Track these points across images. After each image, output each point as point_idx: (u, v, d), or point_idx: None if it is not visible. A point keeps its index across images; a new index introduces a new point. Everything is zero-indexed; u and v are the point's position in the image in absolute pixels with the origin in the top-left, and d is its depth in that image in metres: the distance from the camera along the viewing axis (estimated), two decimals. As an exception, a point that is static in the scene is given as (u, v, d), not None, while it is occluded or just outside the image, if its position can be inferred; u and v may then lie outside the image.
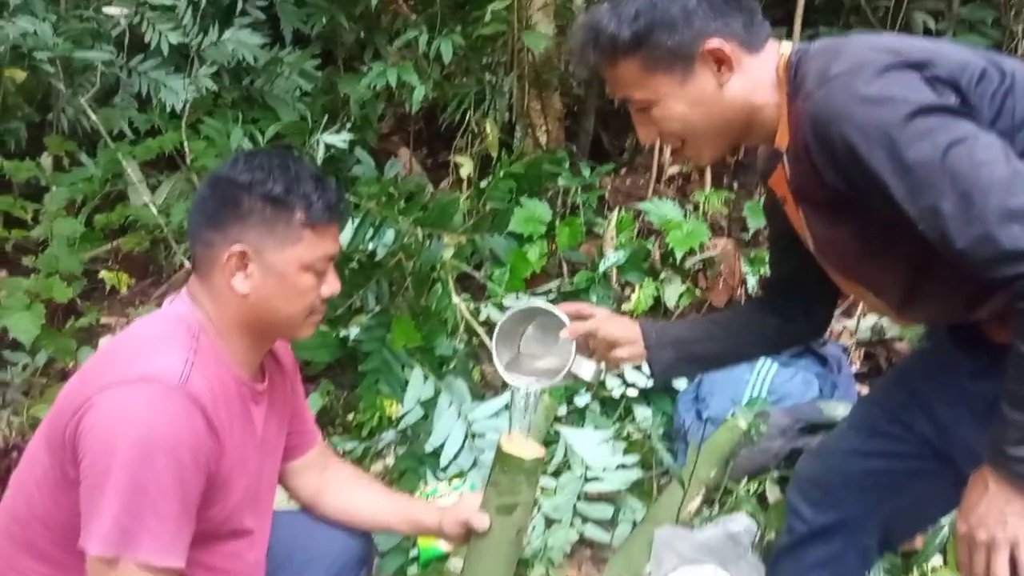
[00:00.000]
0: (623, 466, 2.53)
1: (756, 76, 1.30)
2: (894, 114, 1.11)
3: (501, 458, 1.48)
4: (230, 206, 1.31)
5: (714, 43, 1.26)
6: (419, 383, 2.76)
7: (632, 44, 1.26)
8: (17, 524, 1.29)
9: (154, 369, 1.22)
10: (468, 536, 1.54)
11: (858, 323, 3.11)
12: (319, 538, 1.62)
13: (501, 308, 3.01)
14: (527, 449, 1.48)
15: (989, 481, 1.19)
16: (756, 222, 3.31)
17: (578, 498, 2.42)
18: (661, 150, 3.61)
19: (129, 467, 1.17)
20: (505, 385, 2.93)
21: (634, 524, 2.35)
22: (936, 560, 2.18)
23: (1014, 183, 1.07)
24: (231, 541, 1.38)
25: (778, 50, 1.32)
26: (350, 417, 2.74)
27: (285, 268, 1.32)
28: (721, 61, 1.27)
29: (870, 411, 1.63)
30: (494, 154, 3.34)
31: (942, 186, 1.09)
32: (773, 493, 2.41)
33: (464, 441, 2.61)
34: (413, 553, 2.23)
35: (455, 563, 2.14)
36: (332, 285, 1.40)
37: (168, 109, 3.32)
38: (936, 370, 1.45)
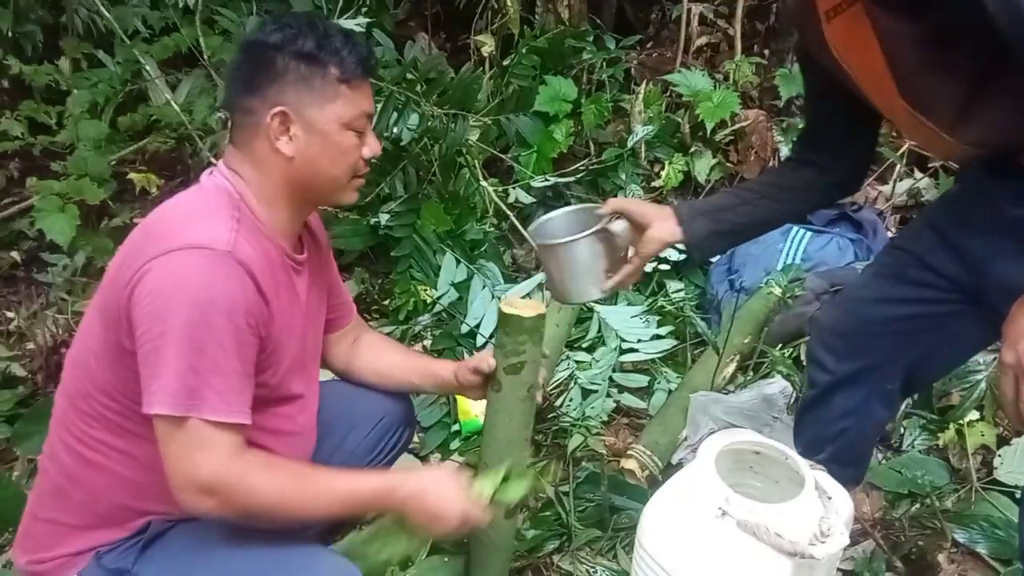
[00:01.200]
0: (657, 336, 2.55)
1: None
2: None
3: (502, 319, 1.47)
4: (264, 68, 1.31)
5: None
6: (452, 267, 2.79)
7: None
8: (82, 399, 1.33)
9: (201, 237, 1.23)
10: (485, 388, 1.58)
11: (893, 187, 3.04)
12: (363, 402, 1.68)
13: (529, 190, 2.99)
14: (527, 308, 1.47)
15: None
16: (788, 90, 3.20)
17: (613, 370, 2.46)
18: (688, 20, 3.49)
19: (187, 328, 1.17)
20: (537, 267, 2.95)
21: (669, 392, 2.39)
22: (973, 415, 2.20)
23: None
24: (283, 405, 1.42)
25: None
26: (386, 303, 2.78)
27: (327, 126, 1.33)
28: None
29: (896, 258, 1.60)
30: (515, 31, 3.25)
31: None
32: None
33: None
34: (455, 428, 2.30)
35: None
36: (373, 146, 1.41)
37: (181, 5, 3.26)
38: (968, 207, 1.42)
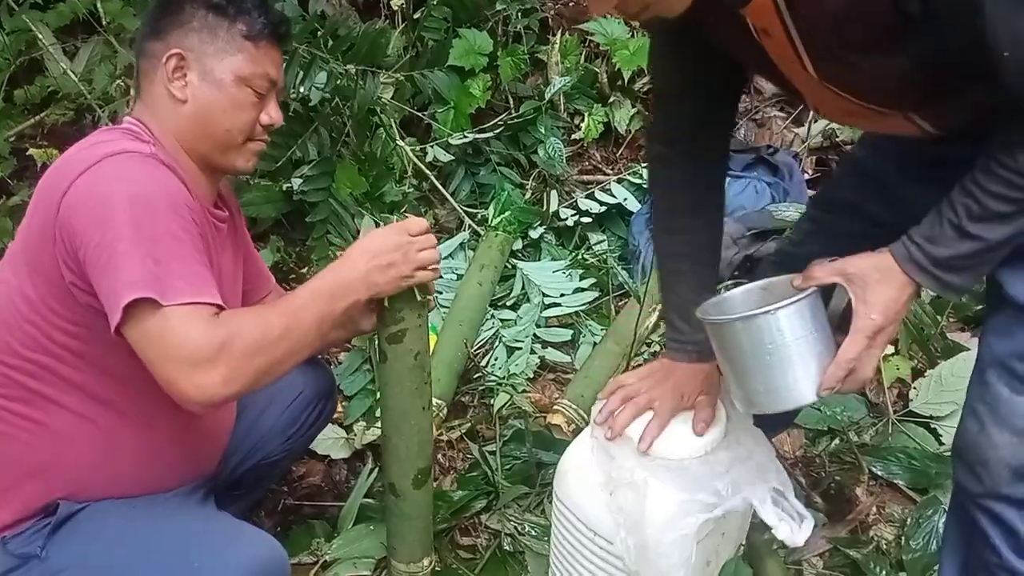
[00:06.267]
0: (580, 289, 2.54)
1: None
2: None
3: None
4: (173, 14, 1.33)
5: None
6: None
7: None
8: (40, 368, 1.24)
9: (124, 147, 1.20)
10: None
11: (808, 129, 3.06)
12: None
13: (448, 148, 2.93)
14: None
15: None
16: (705, 35, 3.18)
17: (537, 325, 2.44)
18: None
19: (134, 222, 1.11)
20: (459, 227, 2.91)
21: (594, 345, 2.38)
22: (888, 349, 2.24)
23: None
24: None
25: None
26: (304, 271, 2.71)
27: (222, 76, 1.32)
28: None
29: (829, 210, 1.54)
30: (426, -17, 3.16)
31: None
32: (728, 301, 2.44)
33: (422, 283, 2.60)
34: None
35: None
36: (273, 115, 1.39)
37: (75, -32, 3.09)
38: (906, 153, 1.33)
